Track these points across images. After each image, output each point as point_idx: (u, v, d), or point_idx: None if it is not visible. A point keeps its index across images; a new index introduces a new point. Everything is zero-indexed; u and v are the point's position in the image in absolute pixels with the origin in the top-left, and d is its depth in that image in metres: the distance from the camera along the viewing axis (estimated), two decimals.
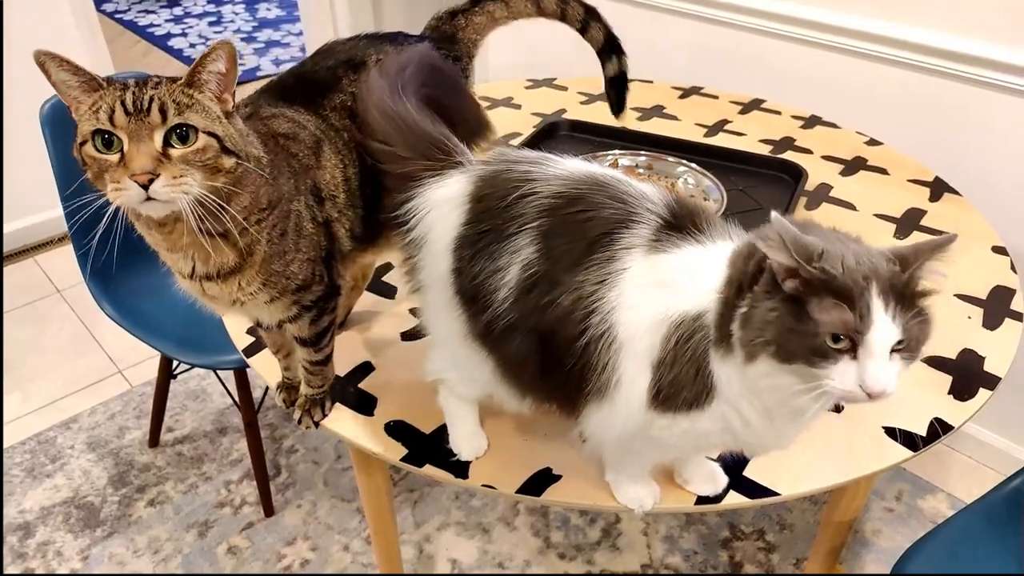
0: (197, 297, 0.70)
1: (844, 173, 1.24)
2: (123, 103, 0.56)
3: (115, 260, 1.29)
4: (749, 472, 0.73)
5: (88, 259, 1.32)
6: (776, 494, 0.71)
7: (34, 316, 1.99)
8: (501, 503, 1.46)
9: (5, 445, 1.60)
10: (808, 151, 1.31)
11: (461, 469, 0.74)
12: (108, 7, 4.36)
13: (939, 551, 0.89)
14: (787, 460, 0.74)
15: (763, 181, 1.19)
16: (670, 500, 0.72)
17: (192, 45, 3.92)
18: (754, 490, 0.72)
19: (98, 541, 1.40)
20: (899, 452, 0.75)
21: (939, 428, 0.77)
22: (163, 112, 0.56)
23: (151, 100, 0.56)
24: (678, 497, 0.72)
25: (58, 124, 1.28)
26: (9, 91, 2.05)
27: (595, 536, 1.40)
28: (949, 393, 0.82)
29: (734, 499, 0.71)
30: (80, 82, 0.58)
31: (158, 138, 0.57)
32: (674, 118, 1.43)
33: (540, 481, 0.73)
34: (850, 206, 1.15)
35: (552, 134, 1.33)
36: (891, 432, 0.77)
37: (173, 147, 0.57)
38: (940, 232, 1.08)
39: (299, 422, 0.80)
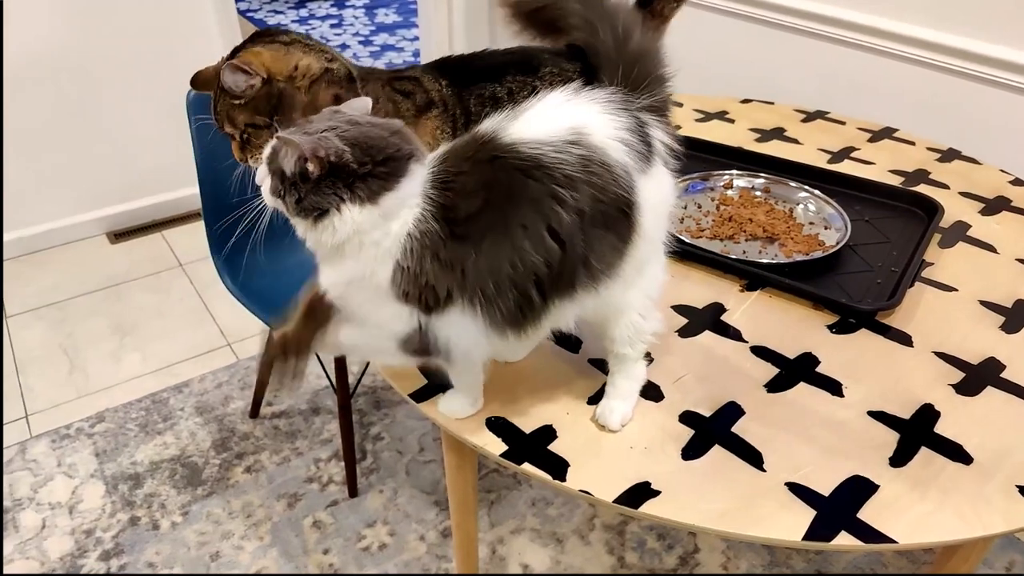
0: None
1: (984, 212, 1.16)
2: None
3: (239, 240, 1.38)
4: (863, 515, 0.69)
5: (216, 237, 1.42)
6: (892, 541, 0.67)
7: (159, 285, 2.16)
8: (577, 515, 1.45)
9: (123, 401, 1.75)
10: (944, 186, 1.23)
11: (559, 471, 0.74)
12: (241, 5, 4.72)
13: None
14: (905, 506, 0.69)
15: (892, 213, 1.13)
16: (759, 528, 0.68)
17: None
18: (868, 533, 0.67)
19: (198, 499, 1.50)
20: None
21: None
22: None
23: None
24: (787, 528, 0.68)
25: (203, 112, 1.38)
26: (157, 77, 2.25)
27: (671, 563, 1.36)
28: None
29: (845, 540, 0.67)
30: None
31: None
32: (795, 141, 1.38)
33: (638, 494, 0.72)
34: (990, 248, 1.07)
35: None
36: None
37: None
38: None
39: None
